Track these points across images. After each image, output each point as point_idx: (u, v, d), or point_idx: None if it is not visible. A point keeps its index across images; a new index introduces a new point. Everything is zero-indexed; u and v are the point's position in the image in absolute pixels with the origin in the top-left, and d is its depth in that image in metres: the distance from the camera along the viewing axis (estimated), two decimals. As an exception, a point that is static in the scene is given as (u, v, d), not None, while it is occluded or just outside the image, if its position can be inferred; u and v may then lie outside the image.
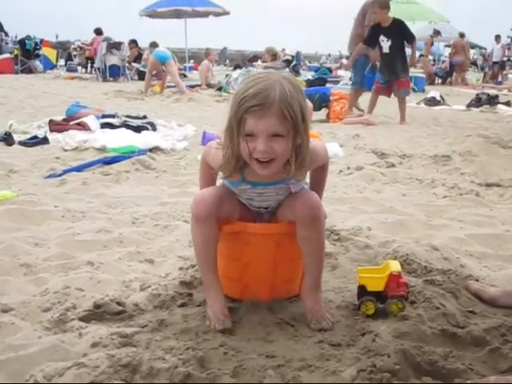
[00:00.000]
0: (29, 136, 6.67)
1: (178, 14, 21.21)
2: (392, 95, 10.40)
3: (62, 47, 32.46)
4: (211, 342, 2.15)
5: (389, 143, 7.24)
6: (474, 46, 30.03)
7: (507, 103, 13.54)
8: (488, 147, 6.92)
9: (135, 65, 20.66)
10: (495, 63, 26.66)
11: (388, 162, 5.89)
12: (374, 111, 10.62)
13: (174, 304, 2.47)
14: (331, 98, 9.83)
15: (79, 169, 5.19)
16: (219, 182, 2.50)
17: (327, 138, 7.37)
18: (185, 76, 18.40)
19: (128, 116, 7.57)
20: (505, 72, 27.36)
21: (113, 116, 7.41)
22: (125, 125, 7.02)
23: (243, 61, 28.00)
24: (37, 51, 23.01)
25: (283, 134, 2.12)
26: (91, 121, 7.04)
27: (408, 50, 10.49)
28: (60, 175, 4.95)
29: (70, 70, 24.52)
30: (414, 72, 22.52)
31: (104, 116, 7.39)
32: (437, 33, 24.98)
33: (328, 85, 17.75)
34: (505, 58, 27.15)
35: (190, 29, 22.19)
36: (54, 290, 2.56)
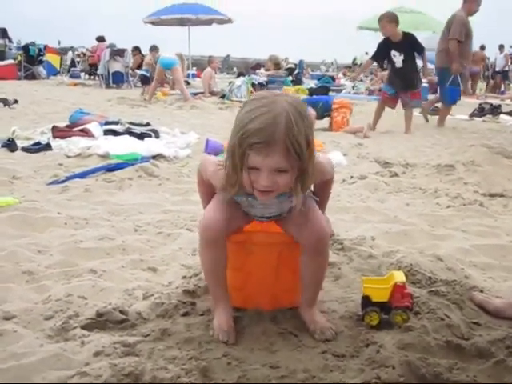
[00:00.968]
0: (32, 142, 6.66)
1: (181, 22, 21.25)
2: (396, 106, 10.35)
3: (66, 53, 32.52)
4: (214, 351, 2.13)
5: (392, 152, 7.23)
6: (476, 56, 29.99)
7: (510, 113, 13.54)
8: (491, 157, 6.91)
9: (138, 71, 20.68)
10: (498, 73, 26.64)
11: (391, 172, 5.87)
12: (380, 121, 10.58)
13: (177, 313, 2.45)
14: (333, 106, 9.82)
15: (82, 175, 5.18)
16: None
17: (330, 146, 7.36)
18: (188, 83, 18.40)
19: (131, 123, 7.57)
20: (507, 82, 27.35)
21: (116, 123, 7.42)
22: (128, 132, 7.03)
23: (246, 68, 28.02)
24: (40, 57, 23.05)
25: (287, 170, 2.06)
26: (94, 127, 7.04)
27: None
28: (63, 182, 4.94)
29: (73, 76, 24.56)
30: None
31: (107, 123, 7.40)
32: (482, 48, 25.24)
33: (331, 93, 17.81)
34: (507, 68, 27.10)
35: (193, 36, 22.29)
36: (56, 297, 2.55)
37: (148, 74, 17.07)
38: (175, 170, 5.65)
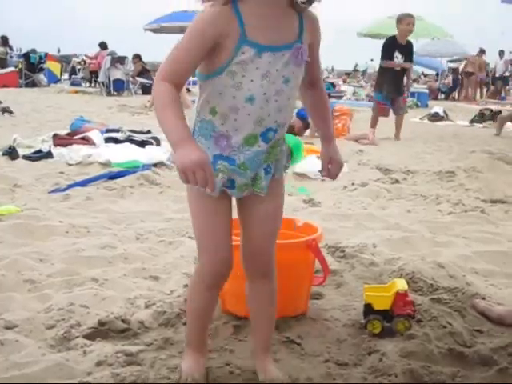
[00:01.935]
0: (33, 150, 6.66)
1: (182, 30, 21.24)
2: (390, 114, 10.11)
3: (66, 61, 32.56)
4: (217, 360, 2.14)
5: (393, 159, 7.23)
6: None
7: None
8: (492, 163, 6.92)
9: (139, 79, 20.70)
10: (498, 79, 26.66)
11: (392, 178, 5.88)
12: (379, 128, 10.56)
13: (179, 322, 2.46)
14: (334, 114, 9.79)
15: (83, 183, 5.18)
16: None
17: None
18: (189, 90, 18.41)
19: (132, 131, 7.57)
20: (508, 87, 27.36)
21: (117, 131, 7.41)
22: (129, 139, 7.02)
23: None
24: (41, 65, 23.07)
25: None
26: (95, 135, 7.03)
27: None
28: (64, 190, 4.95)
29: (73, 83, 24.57)
30: (416, 87, 22.60)
31: (108, 130, 7.40)
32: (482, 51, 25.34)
33: (331, 100, 17.81)
34: (507, 74, 27.12)
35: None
36: (58, 306, 2.56)
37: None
38: (176, 178, 5.60)
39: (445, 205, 4.86)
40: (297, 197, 4.96)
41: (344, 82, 31.04)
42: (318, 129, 2.17)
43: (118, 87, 19.40)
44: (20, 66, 22.07)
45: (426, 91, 21.49)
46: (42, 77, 22.92)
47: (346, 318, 2.54)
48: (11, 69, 22.08)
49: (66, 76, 28.10)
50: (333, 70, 43.88)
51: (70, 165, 6.08)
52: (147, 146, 6.89)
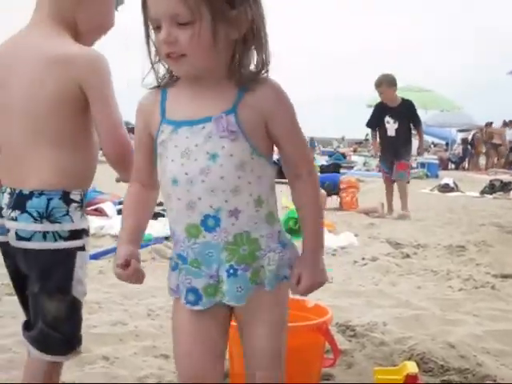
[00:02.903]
0: (46, 222, 6.75)
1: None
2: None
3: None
4: None
5: (403, 233, 7.25)
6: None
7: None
8: (502, 237, 6.97)
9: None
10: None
11: (403, 253, 5.89)
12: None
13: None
14: (341, 186, 9.83)
15: (96, 257, 5.24)
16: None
17: (342, 226, 7.40)
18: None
19: (144, 202, 7.66)
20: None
21: (130, 202, 7.50)
22: (141, 211, 7.10)
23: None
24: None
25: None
26: (108, 207, 7.14)
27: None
28: (77, 263, 4.98)
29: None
30: (427, 158, 22.77)
31: (121, 203, 7.49)
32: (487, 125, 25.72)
33: (342, 170, 17.95)
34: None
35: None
36: (69, 386, 2.57)
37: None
38: (187, 252, 5.68)
39: (455, 280, 4.87)
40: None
41: (355, 151, 31.35)
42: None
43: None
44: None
45: (436, 162, 21.63)
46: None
47: (357, 401, 2.54)
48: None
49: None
50: (343, 139, 44.41)
51: (83, 237, 6.14)
52: (159, 218, 6.96)
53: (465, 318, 3.86)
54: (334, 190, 9.67)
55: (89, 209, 7.09)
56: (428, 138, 36.57)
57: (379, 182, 11.40)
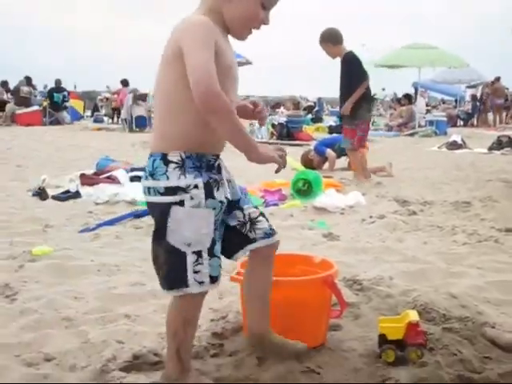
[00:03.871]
0: (61, 190, 6.92)
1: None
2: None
3: (88, 97, 33.12)
4: (242, 389, 2.31)
5: (410, 190, 7.38)
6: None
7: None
8: (508, 192, 7.08)
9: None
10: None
11: (409, 210, 6.02)
12: (397, 158, 10.60)
13: (206, 354, 2.64)
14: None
15: (111, 223, 5.40)
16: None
17: (350, 186, 7.51)
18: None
19: (156, 168, 7.79)
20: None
21: (141, 169, 7.60)
22: (153, 177, 7.24)
23: (266, 108, 28.39)
24: (65, 103, 23.59)
25: None
26: (121, 174, 7.28)
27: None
28: (94, 229, 5.17)
29: (96, 120, 25.04)
30: (435, 115, 22.72)
31: (133, 169, 7.63)
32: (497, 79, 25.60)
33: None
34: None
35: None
36: (94, 342, 2.75)
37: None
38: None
39: (460, 235, 5.01)
40: (316, 231, 5.14)
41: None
42: None
43: (141, 124, 19.79)
44: (44, 104, 22.58)
45: (444, 119, 21.59)
46: (65, 115, 23.43)
47: (363, 348, 2.69)
48: (35, 107, 22.61)
49: (88, 113, 28.62)
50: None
51: (98, 204, 6.32)
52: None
53: (468, 271, 4.01)
54: (343, 151, 9.61)
55: (101, 177, 7.27)
56: (437, 95, 36.40)
57: (387, 141, 11.56)
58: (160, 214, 2.17)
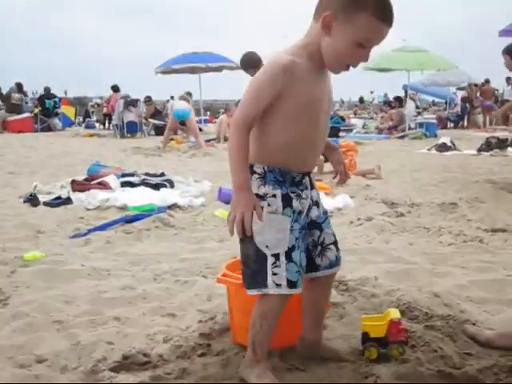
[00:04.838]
0: (53, 196, 6.98)
1: (192, 70, 21.68)
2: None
3: (79, 103, 33.16)
4: (230, 387, 2.38)
5: (399, 192, 7.45)
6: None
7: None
8: (495, 193, 7.17)
9: (152, 121, 21.16)
10: (507, 100, 26.78)
11: (397, 212, 6.10)
12: (387, 160, 10.71)
13: (194, 354, 2.71)
14: (340, 150, 9.92)
15: (102, 228, 5.46)
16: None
17: (339, 189, 7.55)
18: (200, 130, 18.81)
19: (147, 174, 7.89)
20: (516, 114, 27.49)
21: (132, 175, 7.73)
22: (144, 183, 7.33)
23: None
24: (56, 110, 23.59)
25: None
26: (112, 180, 7.35)
27: None
28: (85, 235, 5.23)
29: (88, 126, 25.08)
30: (426, 118, 22.84)
31: (124, 175, 7.71)
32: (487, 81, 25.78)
33: (341, 133, 18.08)
34: (515, 98, 27.25)
35: (205, 81, 22.59)
36: (85, 343, 2.81)
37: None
38: (190, 220, 5.92)
39: (446, 236, 5.09)
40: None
41: (355, 114, 31.36)
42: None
43: (132, 129, 19.84)
44: (35, 110, 22.60)
45: (434, 121, 21.69)
46: (56, 121, 23.43)
47: (347, 346, 2.76)
48: (27, 114, 22.63)
49: (80, 118, 28.66)
50: (343, 102, 44.29)
51: (89, 209, 6.37)
52: (161, 189, 7.19)
53: (452, 270, 4.09)
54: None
55: (93, 182, 7.33)
56: (428, 98, 36.51)
57: (378, 143, 11.63)
58: None
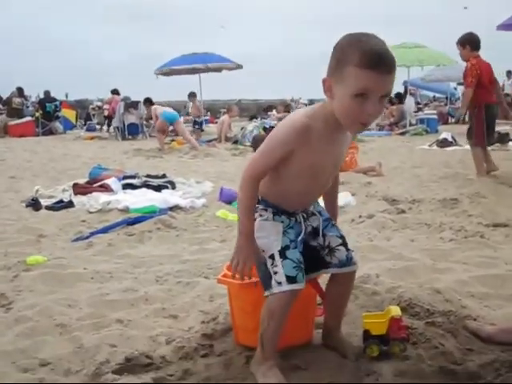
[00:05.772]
0: (55, 200, 7.00)
1: (192, 71, 21.70)
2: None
3: (80, 106, 33.15)
4: (232, 387, 2.40)
5: (400, 189, 7.46)
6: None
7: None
8: (496, 187, 7.16)
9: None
10: (507, 95, 26.74)
11: (398, 209, 6.11)
12: (388, 157, 10.73)
13: (197, 355, 2.72)
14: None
15: (104, 231, 5.48)
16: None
17: (340, 187, 7.55)
18: (202, 130, 18.81)
19: (148, 176, 7.91)
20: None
21: (133, 177, 7.75)
22: (145, 185, 7.35)
23: (258, 111, 28.51)
24: (57, 113, 23.60)
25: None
26: (113, 183, 7.36)
27: None
28: (87, 238, 5.24)
29: (89, 129, 25.07)
30: (427, 113, 22.81)
31: (125, 177, 7.72)
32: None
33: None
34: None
35: (206, 81, 22.61)
36: (88, 346, 2.83)
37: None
38: (192, 221, 5.93)
39: (447, 232, 5.10)
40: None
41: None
42: None
43: (133, 131, 19.85)
44: (37, 114, 22.63)
45: (435, 117, 21.67)
46: (57, 125, 23.45)
47: (349, 345, 2.78)
48: (28, 118, 22.67)
49: (81, 121, 28.65)
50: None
51: (91, 212, 6.39)
52: (163, 191, 7.21)
53: (453, 266, 4.10)
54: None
55: (95, 185, 7.35)
56: (429, 93, 36.44)
57: (379, 141, 11.61)
58: None
